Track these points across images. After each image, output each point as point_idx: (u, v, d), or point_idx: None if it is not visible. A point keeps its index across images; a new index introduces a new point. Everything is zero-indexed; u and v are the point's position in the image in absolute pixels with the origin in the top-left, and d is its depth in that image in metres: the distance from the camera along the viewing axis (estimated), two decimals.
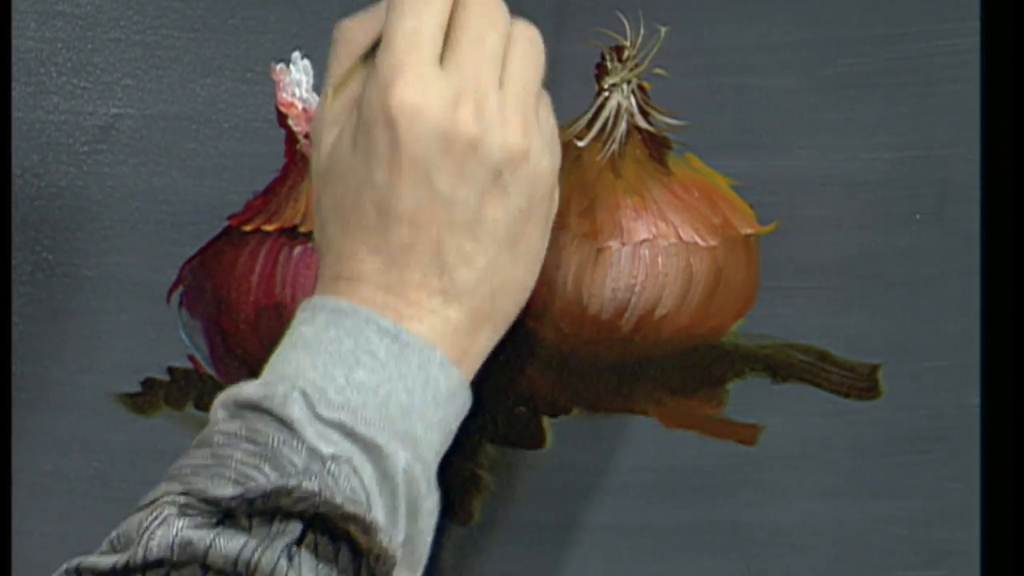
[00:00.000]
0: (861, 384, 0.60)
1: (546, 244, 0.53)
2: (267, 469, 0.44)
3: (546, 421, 0.62)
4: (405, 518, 0.46)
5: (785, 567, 0.61)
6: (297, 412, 0.45)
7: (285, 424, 0.45)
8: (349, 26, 0.52)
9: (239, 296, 0.61)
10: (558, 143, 0.53)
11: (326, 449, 0.45)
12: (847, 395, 0.60)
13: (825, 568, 0.61)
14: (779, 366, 0.60)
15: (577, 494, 0.61)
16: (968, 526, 0.59)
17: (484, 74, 0.48)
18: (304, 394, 0.46)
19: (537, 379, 0.61)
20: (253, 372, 0.61)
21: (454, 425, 0.49)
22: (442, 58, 0.48)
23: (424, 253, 0.48)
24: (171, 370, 0.62)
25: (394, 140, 0.47)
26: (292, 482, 0.43)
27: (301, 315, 0.49)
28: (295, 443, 0.45)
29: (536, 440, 0.62)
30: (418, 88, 0.47)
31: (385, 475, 0.45)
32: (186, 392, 0.62)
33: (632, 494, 0.61)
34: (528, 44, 0.51)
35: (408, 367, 0.47)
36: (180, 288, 0.61)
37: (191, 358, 0.62)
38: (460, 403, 0.49)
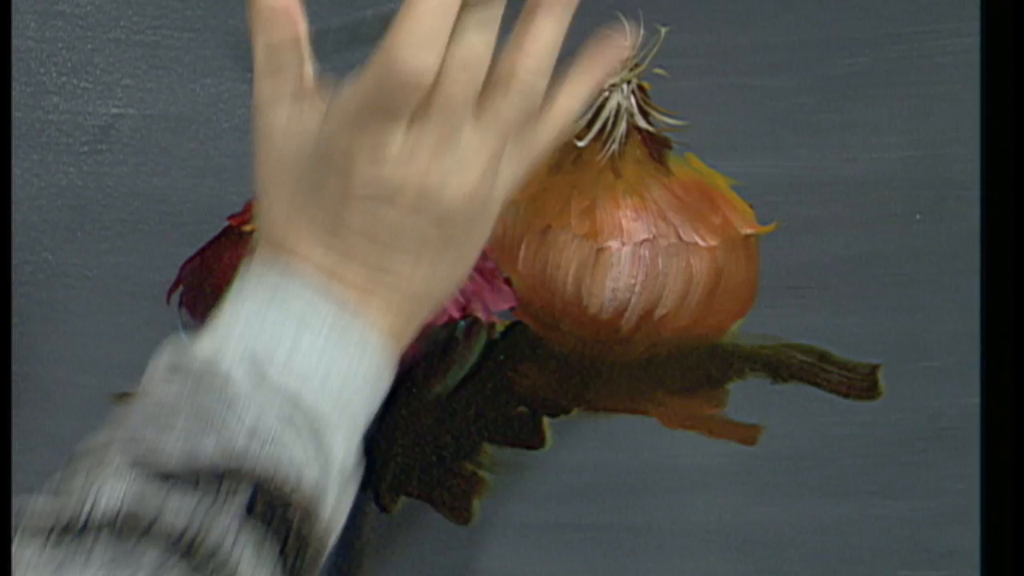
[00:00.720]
0: (861, 384, 0.60)
1: (486, 237, 0.50)
2: (211, 435, 0.44)
3: (546, 421, 0.61)
4: (336, 491, 0.47)
5: (785, 567, 0.61)
6: (245, 375, 0.45)
7: (231, 386, 0.45)
8: None
9: None
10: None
11: (271, 416, 0.45)
12: (847, 395, 0.60)
13: (825, 568, 0.61)
14: (779, 366, 0.60)
15: (577, 494, 0.61)
16: (968, 526, 0.59)
17: (456, 120, 0.46)
18: (253, 356, 0.45)
19: (537, 379, 0.61)
20: None
21: (378, 403, 0.49)
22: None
23: (368, 256, 0.48)
24: None
25: (347, 178, 0.47)
26: (237, 453, 0.43)
27: (252, 270, 0.48)
28: (240, 408, 0.44)
29: (536, 440, 0.62)
30: (379, 143, 0.45)
31: (321, 447, 0.46)
32: None
33: (632, 494, 0.61)
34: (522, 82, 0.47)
35: (350, 339, 0.47)
36: (180, 288, 0.61)
37: None
38: (386, 382, 0.49)
